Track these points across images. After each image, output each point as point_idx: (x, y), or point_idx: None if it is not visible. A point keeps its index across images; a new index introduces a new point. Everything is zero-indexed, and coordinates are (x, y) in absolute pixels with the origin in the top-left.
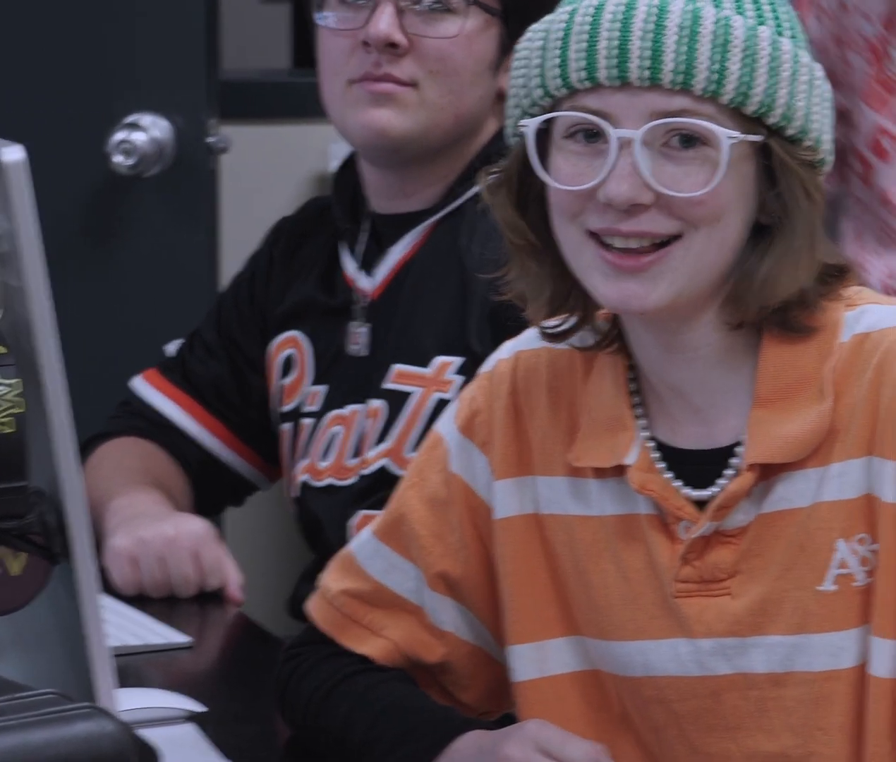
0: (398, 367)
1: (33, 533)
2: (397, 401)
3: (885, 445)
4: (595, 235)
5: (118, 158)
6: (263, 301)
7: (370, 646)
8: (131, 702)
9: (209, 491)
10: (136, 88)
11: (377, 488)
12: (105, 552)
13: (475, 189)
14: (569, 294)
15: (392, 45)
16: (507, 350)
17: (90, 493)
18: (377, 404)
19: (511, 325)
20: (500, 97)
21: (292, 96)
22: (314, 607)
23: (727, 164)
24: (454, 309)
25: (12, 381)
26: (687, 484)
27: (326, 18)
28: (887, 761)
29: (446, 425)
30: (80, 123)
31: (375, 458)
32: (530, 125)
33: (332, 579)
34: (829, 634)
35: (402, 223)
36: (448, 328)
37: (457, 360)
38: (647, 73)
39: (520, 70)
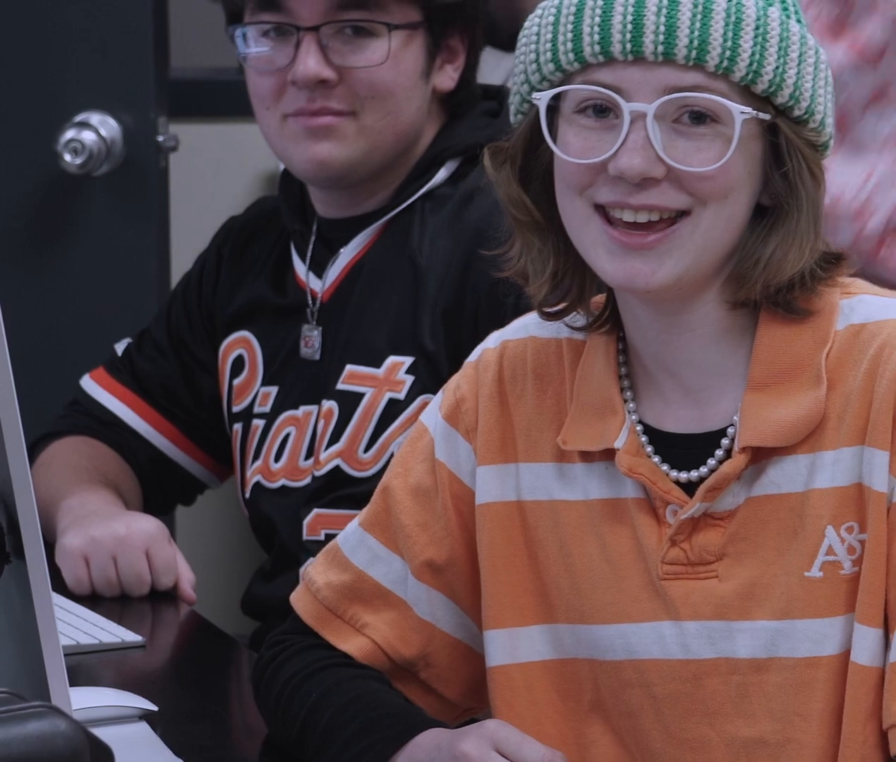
0: (350, 368)
1: None
2: (349, 401)
3: (878, 436)
4: (601, 210)
5: (67, 157)
6: (211, 300)
7: (351, 645)
8: (84, 700)
9: (159, 490)
10: (85, 87)
11: (330, 488)
12: (57, 552)
13: (424, 189)
14: (569, 272)
15: (322, 82)
16: (493, 339)
17: (40, 493)
18: (329, 405)
19: (464, 325)
20: (436, 96)
21: (241, 95)
22: (298, 599)
23: (738, 141)
24: (405, 308)
25: None
26: (674, 467)
27: (245, 47)
28: (861, 748)
29: (431, 415)
30: (29, 122)
31: (328, 459)
32: (542, 98)
33: (316, 571)
34: (813, 621)
35: (351, 226)
36: (399, 327)
37: (408, 360)
38: (661, 48)
39: (529, 45)
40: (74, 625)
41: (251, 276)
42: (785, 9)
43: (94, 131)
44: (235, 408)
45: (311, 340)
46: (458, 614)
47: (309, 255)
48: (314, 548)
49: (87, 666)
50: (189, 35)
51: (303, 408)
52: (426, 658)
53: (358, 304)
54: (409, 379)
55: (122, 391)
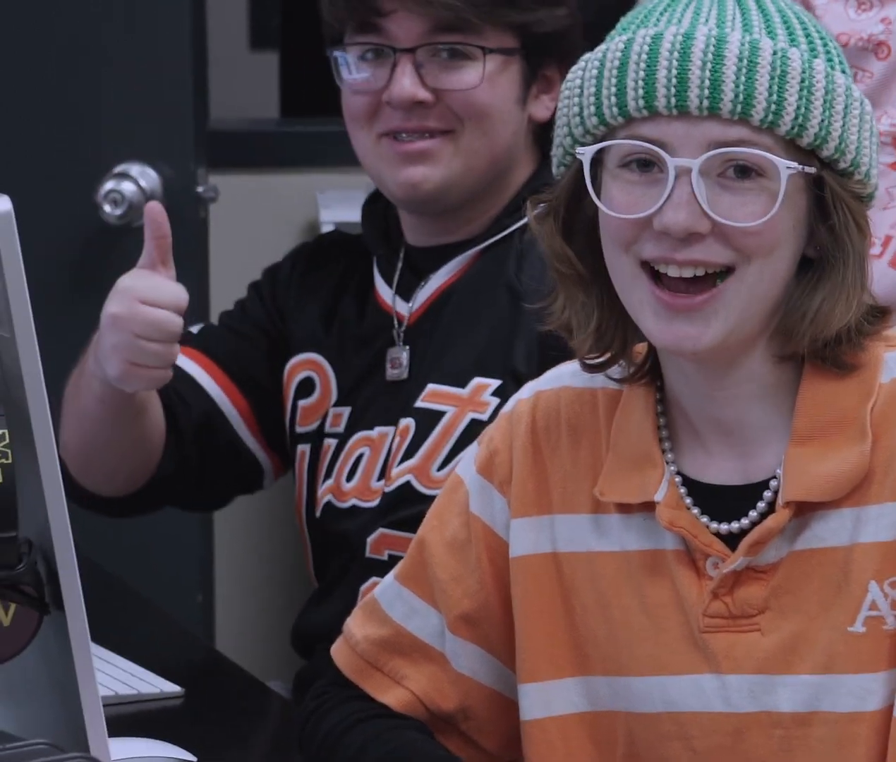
0: (432, 387)
1: (24, 583)
2: (428, 419)
3: None
4: (648, 268)
5: (107, 208)
6: (284, 302)
7: (390, 696)
8: (122, 751)
9: (210, 445)
10: (125, 138)
11: (399, 505)
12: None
13: (524, 220)
14: (612, 324)
15: (417, 103)
16: (527, 390)
17: (71, 391)
18: (407, 422)
19: (557, 352)
20: (532, 125)
21: (281, 145)
22: (338, 653)
23: (783, 195)
24: (498, 332)
25: (0, 432)
26: (714, 518)
27: (347, 73)
28: None
29: (466, 468)
30: (70, 173)
31: (399, 475)
32: (586, 153)
33: (355, 624)
34: (856, 676)
35: (442, 254)
36: (489, 350)
37: (494, 382)
38: (706, 103)
39: (572, 98)
40: (113, 676)
41: (315, 300)
42: (829, 60)
43: (133, 182)
44: (301, 429)
45: (399, 361)
46: (496, 666)
47: (396, 279)
48: (376, 566)
49: (125, 716)
50: (228, 86)
51: (378, 429)
52: (465, 710)
53: (445, 326)
54: (495, 401)
55: (189, 351)
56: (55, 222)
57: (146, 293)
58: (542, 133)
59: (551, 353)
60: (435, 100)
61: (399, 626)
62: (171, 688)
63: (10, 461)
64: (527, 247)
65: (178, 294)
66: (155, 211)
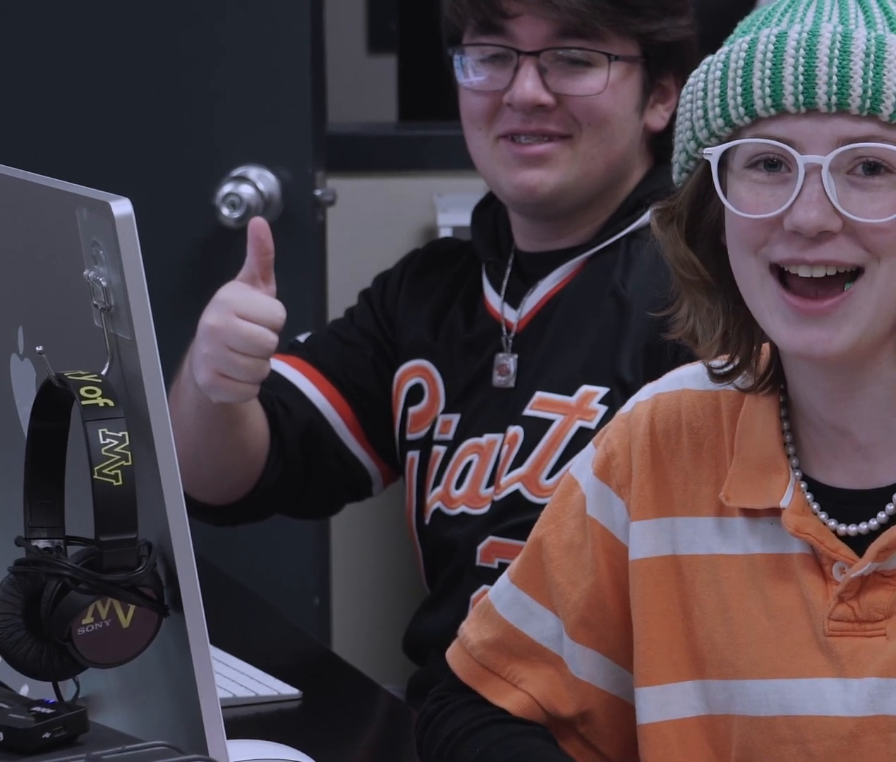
0: (540, 395)
1: (143, 585)
2: (537, 427)
3: None
4: (776, 271)
5: (225, 211)
6: (393, 311)
7: (508, 700)
8: (241, 753)
9: (315, 454)
10: (243, 141)
11: (507, 514)
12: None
13: (630, 227)
14: (738, 330)
15: (539, 106)
16: (646, 392)
17: (172, 397)
18: (515, 430)
19: (664, 360)
20: (646, 135)
21: (399, 149)
22: (454, 657)
23: None
24: (604, 340)
25: (120, 433)
26: (841, 521)
27: (466, 74)
28: None
29: (582, 470)
30: (188, 177)
31: (509, 483)
32: (714, 153)
33: (470, 629)
34: None
35: (551, 260)
36: (596, 358)
37: (602, 390)
38: (834, 99)
39: (696, 102)
40: (231, 678)
41: (424, 307)
42: None
43: (251, 185)
44: (411, 436)
45: (507, 368)
46: (615, 670)
47: (504, 286)
48: (487, 574)
49: (242, 719)
50: (346, 90)
51: (487, 436)
52: (583, 715)
53: (553, 334)
54: (602, 409)
55: (295, 360)
56: (174, 225)
57: (243, 307)
58: (655, 142)
59: (656, 362)
60: (556, 104)
61: (515, 629)
62: (288, 690)
63: (130, 463)
64: (633, 254)
65: (275, 311)
66: (259, 228)
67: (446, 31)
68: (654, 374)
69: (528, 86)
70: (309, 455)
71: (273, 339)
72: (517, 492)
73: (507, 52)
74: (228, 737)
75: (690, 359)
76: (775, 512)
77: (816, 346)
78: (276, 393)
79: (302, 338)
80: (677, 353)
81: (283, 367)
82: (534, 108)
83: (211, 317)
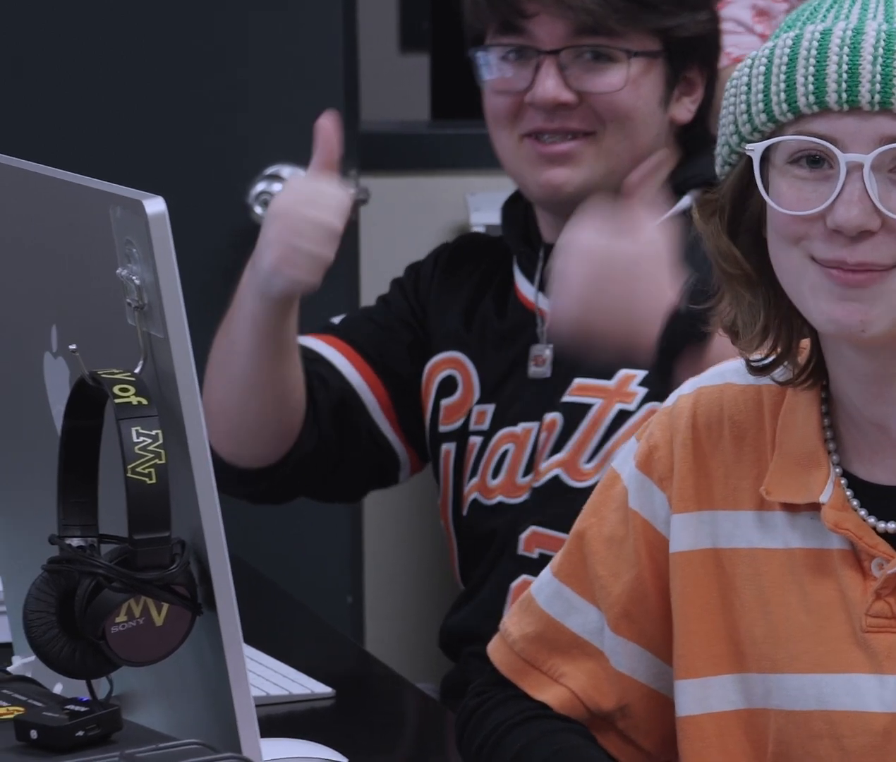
0: (579, 381)
1: (177, 583)
2: (575, 413)
3: None
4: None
5: (259, 210)
6: (426, 299)
7: (550, 695)
8: (274, 752)
9: (348, 429)
10: (276, 140)
11: (548, 500)
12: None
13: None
14: (778, 324)
15: (561, 104)
16: (688, 385)
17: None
18: (553, 416)
19: (691, 337)
20: (673, 128)
21: (431, 148)
22: (495, 651)
23: None
24: None
25: (154, 432)
26: (881, 518)
27: (488, 73)
28: None
29: (624, 463)
30: (222, 175)
31: (548, 469)
32: (756, 149)
33: (512, 623)
34: None
35: None
36: None
37: (640, 373)
38: (878, 98)
39: (739, 96)
40: (264, 676)
41: (457, 298)
42: None
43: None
44: (444, 428)
45: (543, 358)
46: (656, 664)
47: (538, 277)
48: (527, 564)
49: (276, 717)
50: (379, 89)
51: (522, 425)
52: (623, 709)
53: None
54: (642, 391)
55: (330, 338)
56: (207, 223)
57: (310, 193)
58: (682, 133)
59: (681, 340)
60: (578, 101)
61: (557, 623)
62: (321, 689)
63: (163, 461)
64: None
65: (340, 197)
66: (326, 128)
67: (469, 33)
68: (680, 353)
69: (549, 84)
70: (343, 429)
71: (337, 224)
72: (557, 477)
73: (528, 51)
74: (262, 736)
75: (697, 341)
76: (815, 507)
77: (854, 318)
78: (311, 366)
79: (336, 320)
80: (687, 334)
81: (319, 344)
82: (556, 107)
83: (278, 203)
